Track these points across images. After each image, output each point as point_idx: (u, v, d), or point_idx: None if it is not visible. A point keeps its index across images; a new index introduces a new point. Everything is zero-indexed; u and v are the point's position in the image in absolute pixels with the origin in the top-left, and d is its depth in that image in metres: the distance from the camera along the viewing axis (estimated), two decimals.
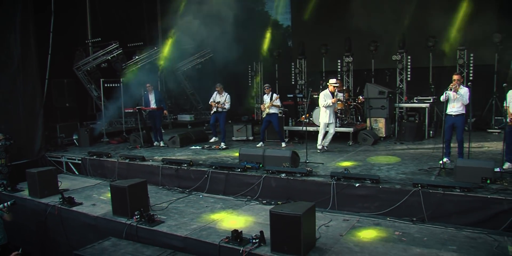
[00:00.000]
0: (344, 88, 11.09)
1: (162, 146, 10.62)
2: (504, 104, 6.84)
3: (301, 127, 10.51)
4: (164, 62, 14.27)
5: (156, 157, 9.02)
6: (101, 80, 12.28)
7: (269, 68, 15.40)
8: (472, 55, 11.30)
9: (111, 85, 12.38)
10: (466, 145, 7.12)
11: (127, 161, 8.77)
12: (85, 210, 6.43)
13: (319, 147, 8.95)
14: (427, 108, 10.41)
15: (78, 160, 9.76)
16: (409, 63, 11.86)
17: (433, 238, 4.71)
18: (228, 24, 10.50)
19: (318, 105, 10.67)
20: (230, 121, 12.48)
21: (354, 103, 11.23)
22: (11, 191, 7.74)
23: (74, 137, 11.58)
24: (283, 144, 9.95)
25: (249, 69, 15.65)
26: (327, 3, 13.95)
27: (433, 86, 11.30)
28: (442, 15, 11.01)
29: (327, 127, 8.89)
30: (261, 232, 4.65)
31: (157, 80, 14.69)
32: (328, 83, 9.02)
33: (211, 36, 11.25)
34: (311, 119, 10.72)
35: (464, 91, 7.01)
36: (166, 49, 14.00)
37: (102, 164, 9.21)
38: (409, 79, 11.90)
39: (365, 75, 12.93)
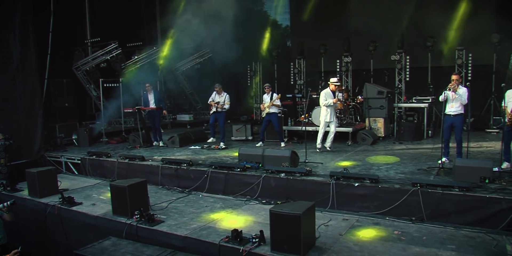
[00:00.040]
0: (343, 88, 11.11)
1: (162, 146, 10.63)
2: (503, 104, 6.87)
3: (300, 127, 10.52)
4: (163, 62, 14.28)
5: (155, 157, 9.03)
6: (100, 80, 12.27)
7: (268, 68, 15.41)
8: (470, 55, 11.33)
9: (110, 85, 12.38)
10: (464, 144, 7.15)
11: (126, 161, 8.77)
12: (85, 209, 6.43)
13: (319, 146, 8.97)
14: (425, 108, 10.44)
15: (78, 160, 9.77)
16: (407, 63, 11.89)
17: (432, 237, 4.73)
18: (227, 24, 10.49)
19: (317, 105, 10.72)
20: (229, 121, 12.49)
21: (353, 103, 11.26)
22: (10, 191, 7.74)
23: (73, 137, 11.58)
24: (282, 144, 9.97)
25: (248, 69, 15.66)
26: (326, 3, 13.95)
27: (431, 86, 11.33)
28: (440, 15, 11.03)
29: (328, 126, 8.89)
30: (261, 231, 4.67)
31: (156, 80, 14.69)
32: (329, 82, 9.01)
33: (210, 36, 11.26)
34: (310, 119, 10.74)
35: (462, 91, 7.04)
36: (166, 49, 14.01)
37: (102, 164, 9.22)
38: (408, 79, 11.93)
39: (364, 75, 12.96)
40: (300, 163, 7.63)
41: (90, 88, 12.83)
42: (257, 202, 6.51)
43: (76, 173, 9.78)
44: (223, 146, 9.91)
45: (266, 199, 6.57)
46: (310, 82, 14.05)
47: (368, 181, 6.11)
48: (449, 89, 6.99)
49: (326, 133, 8.98)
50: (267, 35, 15.19)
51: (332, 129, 8.86)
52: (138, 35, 14.48)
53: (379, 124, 10.39)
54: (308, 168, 6.87)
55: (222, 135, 10.18)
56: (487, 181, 5.77)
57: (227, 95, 10.15)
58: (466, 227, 5.00)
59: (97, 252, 5.05)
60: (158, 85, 15.25)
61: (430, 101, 10.59)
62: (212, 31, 10.90)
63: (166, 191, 7.41)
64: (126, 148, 10.48)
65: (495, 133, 10.46)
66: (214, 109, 10.19)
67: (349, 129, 9.97)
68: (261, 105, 10.09)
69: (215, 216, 5.84)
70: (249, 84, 15.83)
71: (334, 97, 8.86)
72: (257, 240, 4.61)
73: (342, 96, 10.37)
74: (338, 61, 13.23)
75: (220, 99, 10.13)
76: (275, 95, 9.89)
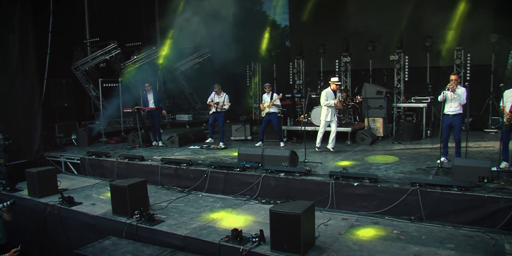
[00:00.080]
0: (342, 88, 11.13)
1: (161, 146, 10.64)
2: (501, 104, 6.89)
3: (299, 127, 10.54)
4: (163, 62, 14.28)
5: (155, 157, 9.04)
6: (99, 80, 12.27)
7: (267, 68, 15.42)
8: (469, 55, 11.37)
9: (109, 85, 12.38)
10: (463, 144, 7.18)
11: (126, 160, 8.79)
12: (84, 209, 6.43)
13: (318, 145, 8.98)
14: (424, 108, 10.47)
15: (77, 160, 9.77)
16: (406, 63, 11.91)
17: (431, 236, 4.76)
18: (226, 24, 10.50)
19: (316, 105, 10.75)
20: (228, 121, 12.50)
21: (352, 103, 11.28)
22: (10, 191, 7.74)
23: (72, 137, 11.58)
24: (282, 144, 10.00)
25: (247, 69, 15.67)
26: (325, 3, 13.97)
27: (430, 86, 11.36)
28: (439, 15, 11.06)
29: (329, 126, 8.90)
30: (261, 230, 4.68)
31: (156, 80, 14.70)
32: (330, 82, 9.00)
33: (209, 36, 11.28)
34: (309, 119, 10.76)
35: (461, 91, 7.07)
36: (165, 49, 14.02)
37: (101, 164, 9.23)
38: (406, 79, 11.96)
39: (363, 75, 12.99)
40: (300, 163, 7.65)
41: (89, 88, 12.83)
42: (257, 201, 6.53)
43: (76, 173, 9.79)
44: (223, 146, 9.93)
45: (265, 199, 6.59)
46: (309, 82, 14.07)
47: (367, 181, 6.14)
48: (448, 89, 7.02)
49: (326, 133, 8.99)
50: (266, 35, 15.20)
51: (333, 128, 8.84)
52: (137, 35, 14.49)
53: (378, 124, 10.42)
54: (307, 168, 6.89)
55: (221, 135, 10.19)
56: (485, 180, 5.80)
57: (227, 95, 10.15)
58: (465, 226, 5.03)
59: (97, 251, 5.07)
60: (157, 85, 15.26)
61: (428, 101, 10.63)
62: (211, 31, 10.92)
63: (165, 191, 7.42)
64: (126, 148, 10.49)
65: (493, 133, 10.49)
66: (213, 110, 10.18)
67: (348, 129, 9.99)
68: (261, 105, 10.10)
69: (215, 215, 5.86)
70: (248, 84, 15.84)
71: (335, 97, 8.86)
72: (257, 239, 4.62)
73: (341, 96, 10.39)
74: (337, 61, 13.25)
75: (219, 99, 10.13)
76: (275, 95, 9.91)
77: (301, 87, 14.08)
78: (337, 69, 13.27)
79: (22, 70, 10.03)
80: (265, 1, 17.33)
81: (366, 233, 4.95)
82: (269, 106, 9.84)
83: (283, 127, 10.82)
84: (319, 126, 9.67)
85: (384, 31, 11.99)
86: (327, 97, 8.75)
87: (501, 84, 7.27)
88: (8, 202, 5.76)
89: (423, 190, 5.65)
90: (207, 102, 10.40)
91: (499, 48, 11.09)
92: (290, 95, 13.30)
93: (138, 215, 5.65)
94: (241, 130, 11.21)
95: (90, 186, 8.02)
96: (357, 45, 12.78)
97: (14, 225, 6.47)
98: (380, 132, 10.41)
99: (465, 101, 7.05)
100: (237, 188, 7.14)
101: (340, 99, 9.86)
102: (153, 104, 10.53)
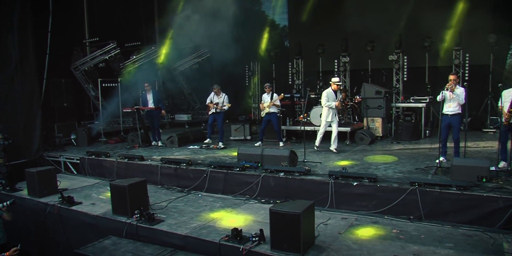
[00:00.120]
0: (341, 88, 11.14)
1: (160, 146, 10.64)
2: (499, 104, 6.92)
3: (298, 127, 10.56)
4: (162, 62, 14.29)
5: (154, 157, 9.04)
6: (98, 80, 12.26)
7: (266, 68, 15.44)
8: (467, 55, 11.39)
9: (108, 85, 12.37)
10: (462, 144, 7.20)
11: (125, 160, 8.79)
12: (84, 209, 6.45)
13: (317, 144, 8.99)
14: (423, 108, 10.49)
15: (77, 159, 9.78)
16: (405, 63, 11.92)
17: (430, 235, 4.79)
18: (225, 24, 10.52)
19: (315, 105, 10.78)
20: (227, 121, 12.51)
21: (351, 103, 11.30)
22: (9, 191, 7.76)
23: (72, 137, 11.58)
24: (281, 144, 10.02)
25: (247, 69, 15.68)
26: (324, 3, 14.00)
27: (429, 86, 11.38)
28: (438, 15, 11.09)
29: (329, 126, 8.91)
30: (261, 230, 4.71)
31: (155, 80, 14.71)
32: (331, 82, 8.97)
33: (208, 36, 11.28)
34: (308, 118, 10.78)
35: (460, 91, 7.09)
36: (164, 49, 14.02)
37: (101, 164, 9.24)
38: (405, 79, 11.97)
39: (362, 75, 13.01)
40: (299, 163, 7.66)
41: (88, 88, 12.82)
42: (256, 201, 6.55)
43: (75, 173, 9.80)
44: (222, 146, 9.94)
45: (265, 199, 6.62)
46: (308, 82, 14.09)
47: (367, 180, 6.16)
48: (447, 89, 7.04)
49: (325, 133, 9.00)
50: (266, 35, 15.23)
51: (335, 129, 8.80)
52: (136, 35, 14.49)
53: (377, 124, 10.44)
54: (307, 168, 6.91)
55: (220, 135, 10.19)
56: (484, 180, 5.83)
57: (226, 96, 10.11)
58: (464, 226, 5.06)
59: (97, 251, 5.08)
60: (157, 85, 15.26)
61: (427, 101, 10.65)
62: (210, 31, 10.92)
63: (165, 191, 7.45)
64: (125, 148, 10.50)
65: (492, 133, 10.52)
66: (213, 110, 10.17)
67: (347, 129, 10.01)
68: (261, 105, 10.10)
69: (215, 215, 5.88)
70: (247, 84, 15.85)
71: (336, 97, 8.85)
72: (257, 238, 4.65)
73: (341, 96, 10.41)
74: (336, 61, 13.25)
75: (218, 100, 10.11)
76: (275, 95, 9.91)
77: (300, 87, 14.10)
78: (336, 69, 13.29)
79: (21, 70, 10.03)
80: (264, 1, 17.35)
81: (366, 232, 4.98)
82: (269, 106, 9.86)
83: (282, 127, 10.83)
84: (318, 126, 9.70)
85: (383, 31, 12.01)
86: (328, 98, 8.72)
87: (500, 84, 7.33)
88: (8, 202, 5.76)
89: (422, 190, 5.67)
90: (206, 103, 10.37)
91: (497, 48, 11.13)
92: (289, 95, 13.31)
93: (138, 215, 5.66)
94: (241, 130, 11.22)
95: (90, 186, 8.03)
96: (356, 45, 12.80)
97: (14, 225, 6.47)
98: (379, 132, 10.43)
99: (464, 101, 7.07)
100: (236, 187, 7.15)
101: (340, 99, 9.89)
102: (153, 104, 10.54)
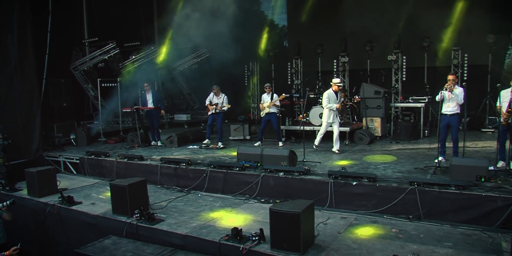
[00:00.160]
0: (340, 88, 11.16)
1: (160, 146, 10.65)
2: (497, 104, 6.95)
3: (298, 127, 10.58)
4: (161, 61, 14.29)
5: (154, 157, 9.05)
6: (98, 80, 12.27)
7: (265, 68, 15.46)
8: (466, 55, 11.43)
9: (108, 85, 12.38)
10: (460, 144, 7.24)
11: (125, 160, 8.80)
12: (84, 209, 6.46)
13: (316, 143, 9.01)
14: (422, 108, 10.53)
15: (76, 159, 9.78)
16: (404, 63, 11.96)
17: (429, 235, 4.81)
18: (225, 24, 10.53)
19: (314, 105, 10.80)
20: (226, 121, 12.53)
21: (350, 103, 11.33)
22: (9, 191, 7.76)
23: (71, 137, 11.58)
24: (280, 144, 10.04)
25: (246, 69, 15.70)
26: (323, 3, 14.02)
27: (428, 86, 11.40)
28: (436, 16, 11.13)
29: (330, 126, 8.92)
30: (261, 229, 4.72)
31: (154, 79, 14.71)
32: (331, 83, 8.96)
33: (207, 36, 11.29)
34: (308, 118, 10.79)
35: (459, 91, 7.12)
36: (163, 49, 14.03)
37: (101, 164, 9.24)
38: (404, 79, 12.01)
39: (361, 75, 13.03)
40: (298, 163, 7.68)
41: (88, 88, 12.82)
42: (256, 201, 6.57)
43: (75, 172, 9.80)
44: (221, 146, 9.95)
45: (265, 198, 6.63)
46: (307, 82, 14.12)
47: (366, 180, 6.18)
48: (446, 89, 7.06)
49: (326, 133, 9.01)
50: (265, 35, 15.24)
51: (336, 129, 8.80)
52: (136, 35, 14.49)
53: (376, 124, 10.47)
54: (306, 167, 6.93)
55: (220, 135, 10.19)
56: (483, 179, 5.86)
57: (226, 97, 10.09)
58: (463, 225, 5.09)
59: (97, 250, 5.10)
60: (156, 85, 15.27)
61: (426, 101, 10.69)
62: (209, 31, 10.93)
63: (165, 190, 7.46)
64: (125, 148, 10.50)
65: (490, 133, 10.55)
66: (212, 111, 10.15)
67: (347, 129, 10.04)
68: (260, 105, 10.11)
69: (215, 215, 5.89)
70: (246, 84, 15.86)
71: (337, 98, 8.86)
72: (257, 238, 4.66)
73: (340, 96, 10.43)
74: (335, 61, 13.29)
75: (218, 100, 10.09)
76: (275, 95, 9.93)
77: (299, 87, 14.13)
78: (335, 69, 13.32)
79: (21, 70, 10.03)
80: (263, 1, 17.36)
81: (365, 231, 5.00)
82: (269, 106, 9.87)
83: (282, 127, 10.86)
84: (317, 126, 9.73)
85: (382, 32, 12.05)
86: (329, 99, 8.69)
87: (498, 84, 7.36)
88: (8, 202, 5.77)
89: (421, 189, 5.69)
90: (206, 104, 10.31)
91: (496, 48, 11.17)
92: (288, 95, 13.32)
93: (138, 215, 5.68)
94: (240, 129, 11.24)
95: (90, 185, 8.04)
96: (355, 45, 12.83)
97: (14, 225, 6.48)
98: (378, 131, 10.46)
99: (462, 101, 7.10)
100: (236, 187, 7.16)
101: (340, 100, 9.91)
102: (152, 104, 10.54)
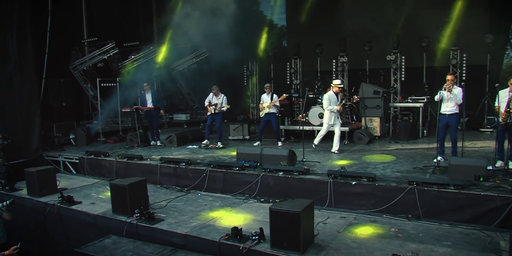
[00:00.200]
0: (340, 89, 11.18)
1: (159, 146, 10.66)
2: (496, 104, 6.98)
3: (297, 126, 10.60)
4: (160, 61, 14.30)
5: (153, 156, 9.06)
6: (97, 79, 12.27)
7: (264, 68, 15.46)
8: (465, 55, 11.45)
9: (107, 84, 12.39)
10: (459, 144, 7.26)
11: (125, 160, 8.80)
12: (84, 208, 6.47)
13: (316, 142, 9.02)
14: (421, 108, 10.56)
15: (76, 159, 9.78)
16: (403, 63, 11.98)
17: (428, 234, 4.83)
18: (224, 24, 10.55)
19: (313, 105, 10.82)
20: (226, 121, 12.54)
21: (349, 103, 11.34)
22: (9, 190, 7.77)
23: (71, 137, 11.58)
24: (280, 143, 10.06)
25: (245, 69, 15.70)
26: (323, 3, 14.04)
27: (426, 86, 11.44)
28: (435, 16, 11.17)
29: (332, 126, 8.93)
30: (261, 229, 4.74)
31: (153, 79, 14.71)
32: (332, 84, 8.97)
33: (206, 36, 11.30)
34: (307, 118, 10.81)
35: (457, 91, 7.14)
36: (162, 48, 14.04)
37: (100, 163, 9.25)
38: (403, 79, 12.02)
39: (360, 75, 13.06)
40: (298, 162, 7.70)
41: (87, 87, 12.81)
42: (256, 200, 6.59)
43: (74, 172, 9.81)
44: (221, 146, 9.97)
45: (264, 198, 6.65)
46: (307, 82, 14.12)
47: (365, 180, 6.20)
48: (445, 89, 7.08)
49: (326, 133, 9.03)
50: (264, 35, 15.23)
51: (337, 131, 8.81)
52: (135, 35, 14.49)
53: (375, 124, 10.49)
54: (306, 167, 6.95)
55: (219, 135, 10.20)
56: (481, 179, 5.88)
57: (225, 97, 10.08)
58: (461, 224, 5.12)
59: (98, 250, 5.11)
60: (155, 85, 15.28)
61: (425, 100, 10.72)
62: (208, 31, 10.94)
63: (165, 190, 7.48)
64: (124, 148, 10.51)
65: (489, 132, 10.59)
66: (212, 111, 10.14)
67: (346, 129, 10.05)
68: (260, 105, 10.13)
69: (214, 214, 5.91)
70: (245, 84, 15.86)
71: (338, 99, 8.87)
72: (257, 237, 4.68)
73: (340, 97, 10.45)
74: (334, 61, 13.30)
75: (217, 100, 10.08)
76: (275, 96, 9.94)
77: (298, 87, 14.15)
78: (334, 69, 13.34)
79: (20, 70, 10.03)
80: (262, 1, 17.37)
81: (364, 231, 5.02)
82: (269, 107, 9.89)
83: (281, 127, 10.87)
84: (316, 125, 9.75)
85: (381, 32, 12.08)
86: (329, 101, 8.68)
87: (497, 84, 7.36)
88: (8, 202, 5.78)
89: (420, 189, 5.72)
90: (205, 105, 10.30)
91: (494, 48, 11.20)
92: (287, 95, 13.33)
93: (138, 214, 5.69)
94: (239, 129, 11.25)
95: (89, 185, 8.05)
96: (354, 45, 12.84)
97: (13, 225, 6.49)
98: (377, 131, 10.49)
99: (461, 101, 7.13)
100: (236, 187, 7.18)
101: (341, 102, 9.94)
102: (151, 104, 10.55)
